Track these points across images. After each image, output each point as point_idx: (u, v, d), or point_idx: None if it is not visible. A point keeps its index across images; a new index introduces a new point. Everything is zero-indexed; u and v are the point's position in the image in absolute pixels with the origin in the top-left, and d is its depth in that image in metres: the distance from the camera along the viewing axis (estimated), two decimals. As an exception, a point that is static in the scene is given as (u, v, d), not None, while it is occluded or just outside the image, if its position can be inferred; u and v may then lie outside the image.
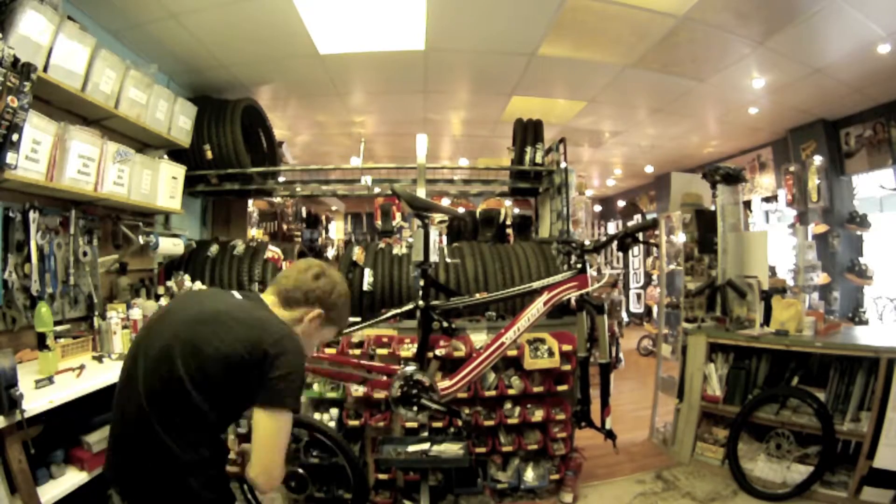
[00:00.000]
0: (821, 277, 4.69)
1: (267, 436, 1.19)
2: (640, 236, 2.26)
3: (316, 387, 2.63)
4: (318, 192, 4.50)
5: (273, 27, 3.09)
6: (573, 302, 2.74)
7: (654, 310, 6.13)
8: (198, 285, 3.01)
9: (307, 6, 2.86)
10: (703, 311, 3.56)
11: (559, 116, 5.02)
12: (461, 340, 2.61)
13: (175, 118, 3.06)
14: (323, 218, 9.64)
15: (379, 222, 4.06)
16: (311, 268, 1.39)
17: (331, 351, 2.56)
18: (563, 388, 2.73)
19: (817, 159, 4.97)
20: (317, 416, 2.60)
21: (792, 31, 3.16)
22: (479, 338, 2.68)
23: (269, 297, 1.37)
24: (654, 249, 6.33)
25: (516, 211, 4.58)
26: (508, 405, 2.72)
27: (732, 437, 2.96)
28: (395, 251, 3.19)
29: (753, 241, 3.57)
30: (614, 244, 2.34)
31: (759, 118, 4.99)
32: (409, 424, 2.62)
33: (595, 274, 2.24)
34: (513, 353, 2.61)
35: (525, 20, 3.11)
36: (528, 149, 3.64)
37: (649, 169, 7.62)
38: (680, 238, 3.87)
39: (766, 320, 3.17)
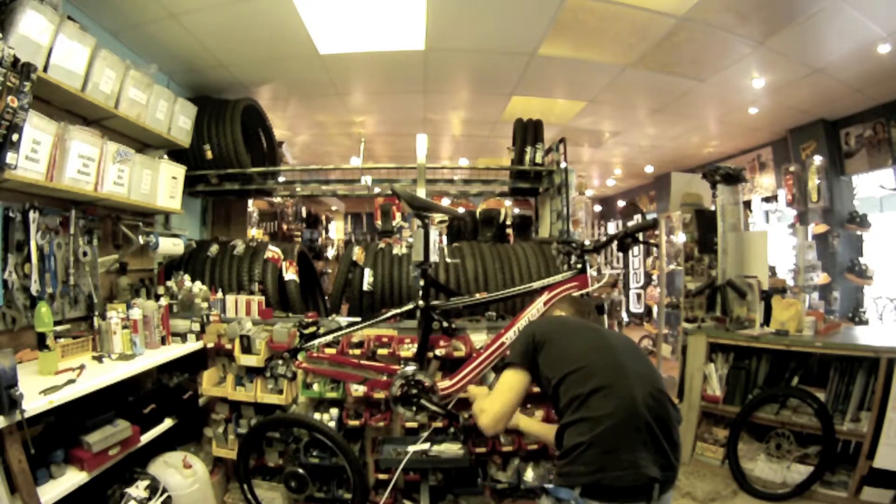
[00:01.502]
0: (821, 277, 4.69)
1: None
2: (640, 236, 2.26)
3: (316, 387, 2.63)
4: (318, 192, 4.50)
5: (273, 27, 3.09)
6: (573, 302, 2.74)
7: (654, 310, 6.13)
8: (198, 285, 3.01)
9: (307, 6, 2.86)
10: (703, 311, 3.56)
11: (559, 116, 5.02)
12: (461, 340, 2.61)
13: (175, 118, 3.06)
14: (323, 218, 9.65)
15: (379, 222, 4.06)
16: None
17: (331, 351, 2.56)
18: (563, 388, 2.72)
19: (817, 159, 4.97)
20: (317, 416, 2.60)
21: (792, 31, 3.16)
22: (479, 338, 2.67)
23: None
24: (654, 249, 6.33)
25: (516, 211, 4.58)
26: (508, 405, 2.72)
27: (732, 437, 2.96)
28: (395, 251, 3.18)
29: (753, 241, 3.57)
30: (614, 244, 2.33)
31: (759, 118, 4.99)
32: (409, 424, 2.62)
33: (595, 274, 2.24)
34: (513, 353, 2.60)
35: (525, 20, 3.11)
36: (528, 149, 3.64)
37: (649, 169, 7.62)
38: (680, 238, 3.88)
39: (766, 320, 3.17)
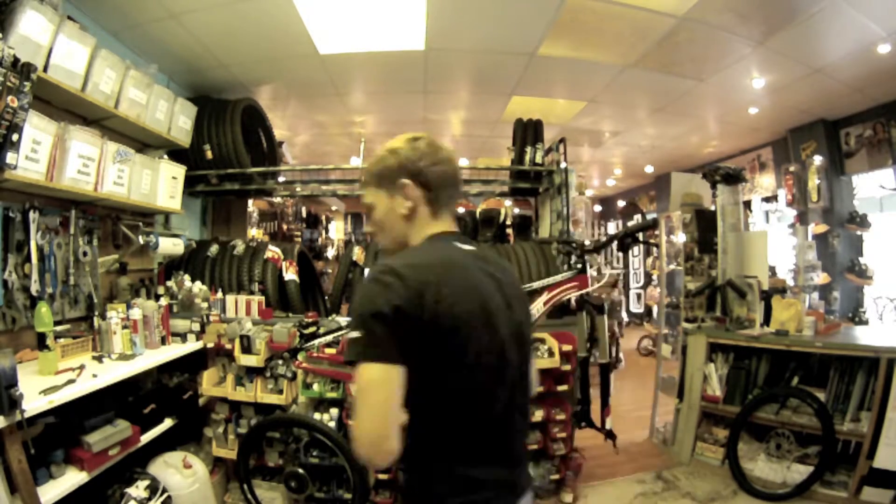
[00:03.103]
0: (821, 277, 4.68)
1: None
2: (640, 236, 2.27)
3: (316, 387, 2.63)
4: (318, 192, 4.50)
5: (273, 27, 3.09)
6: (573, 302, 2.75)
7: (654, 310, 6.13)
8: (198, 285, 3.01)
9: (307, 6, 2.86)
10: (703, 311, 3.56)
11: (559, 116, 5.02)
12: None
13: (175, 118, 3.06)
14: (323, 218, 9.65)
15: (379, 222, 4.05)
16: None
17: (331, 351, 2.56)
18: (563, 388, 2.72)
19: (817, 159, 4.97)
20: (317, 416, 2.60)
21: (792, 31, 3.16)
22: (479, 338, 2.68)
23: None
24: (654, 249, 6.34)
25: (516, 211, 4.58)
26: (508, 405, 2.73)
27: (732, 437, 2.96)
28: (395, 251, 3.18)
29: (753, 241, 3.56)
30: (614, 244, 2.34)
31: (759, 118, 4.99)
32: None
33: (595, 274, 2.24)
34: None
35: (525, 20, 3.11)
36: (528, 149, 3.64)
37: (649, 169, 7.63)
38: (680, 238, 3.87)
39: (766, 320, 3.17)
